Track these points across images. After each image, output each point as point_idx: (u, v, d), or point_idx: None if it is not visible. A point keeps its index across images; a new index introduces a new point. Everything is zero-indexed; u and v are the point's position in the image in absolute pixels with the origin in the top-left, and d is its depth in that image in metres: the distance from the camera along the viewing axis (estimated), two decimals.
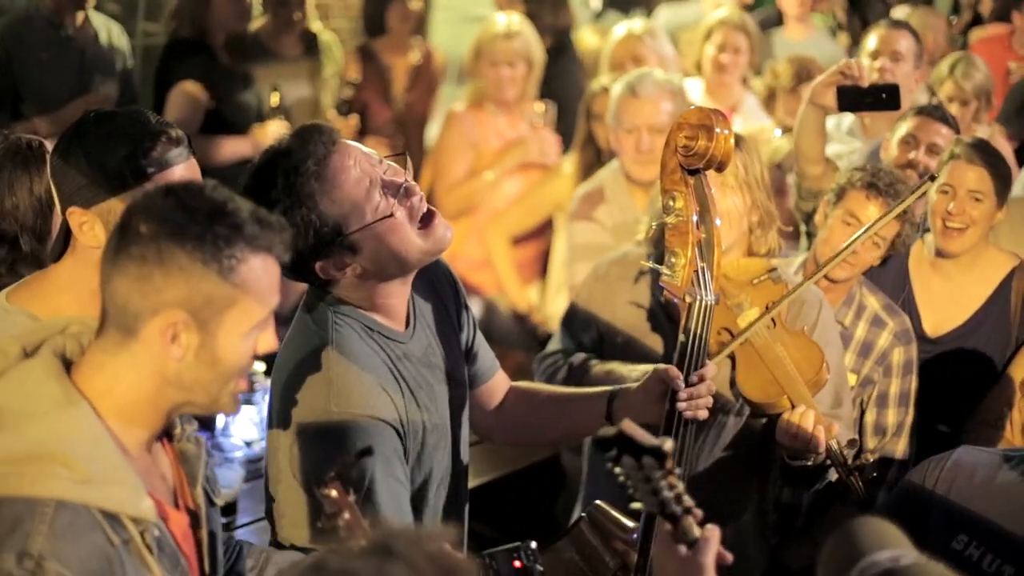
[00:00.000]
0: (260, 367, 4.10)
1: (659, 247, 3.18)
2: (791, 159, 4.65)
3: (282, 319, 2.47)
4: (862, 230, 3.58)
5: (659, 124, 4.62)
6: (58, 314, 2.31)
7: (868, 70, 4.44)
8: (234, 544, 2.56)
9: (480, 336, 3.00)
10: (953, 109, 5.00)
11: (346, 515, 2.24)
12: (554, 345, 3.80)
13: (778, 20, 7.16)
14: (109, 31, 5.73)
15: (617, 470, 2.01)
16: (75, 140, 2.57)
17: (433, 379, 2.75)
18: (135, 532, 2.01)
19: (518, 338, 5.63)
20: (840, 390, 3.51)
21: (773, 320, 3.35)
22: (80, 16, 5.56)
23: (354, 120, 6.04)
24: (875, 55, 4.94)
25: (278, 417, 2.64)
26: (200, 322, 2.00)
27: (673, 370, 2.72)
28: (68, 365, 2.08)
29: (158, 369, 2.03)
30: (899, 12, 6.64)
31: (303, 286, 2.71)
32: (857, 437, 3.72)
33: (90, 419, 2.02)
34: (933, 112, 4.39)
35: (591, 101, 5.35)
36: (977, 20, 7.34)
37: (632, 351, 3.56)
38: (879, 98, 4.15)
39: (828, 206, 3.88)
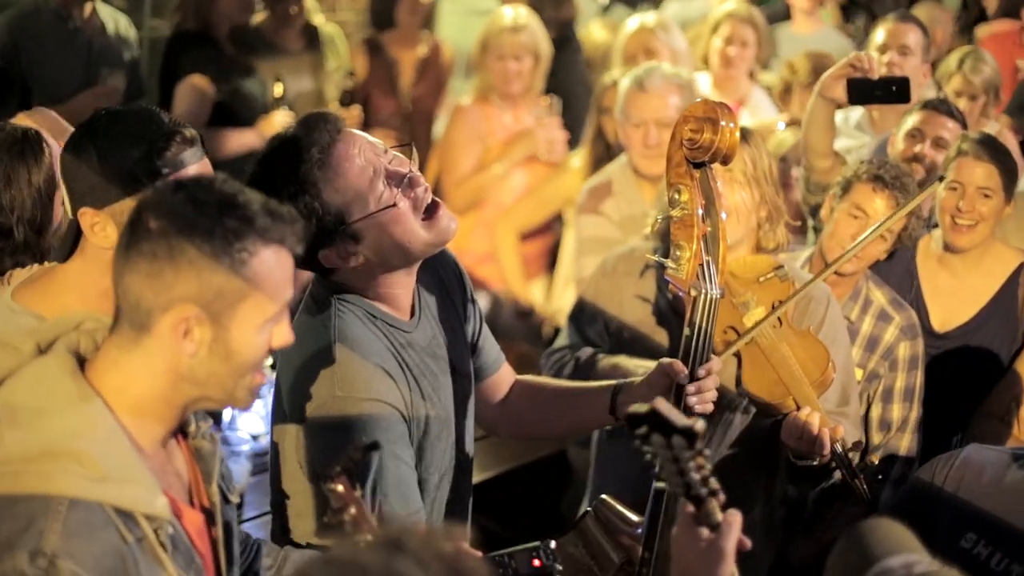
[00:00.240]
0: (267, 360, 4.09)
1: (666, 241, 3.18)
2: (795, 152, 4.65)
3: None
4: (871, 228, 3.57)
5: (666, 118, 4.61)
6: (65, 313, 2.30)
7: (877, 64, 4.43)
8: (252, 543, 2.55)
9: (486, 329, 3.00)
10: (961, 104, 4.99)
11: (352, 510, 2.24)
12: (561, 341, 3.80)
13: (786, 15, 7.14)
14: (116, 23, 5.74)
15: (645, 448, 1.99)
16: (87, 139, 2.54)
17: (437, 369, 2.74)
18: (149, 530, 2.01)
19: (522, 332, 5.63)
20: (848, 387, 3.50)
21: (779, 319, 3.34)
22: (87, 8, 5.57)
23: (356, 111, 6.04)
24: (883, 49, 4.93)
25: (283, 404, 2.64)
26: (212, 316, 1.99)
27: (677, 364, 2.72)
28: (82, 362, 2.08)
29: (172, 365, 2.02)
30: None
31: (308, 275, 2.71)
32: (863, 436, 3.72)
33: (104, 416, 2.01)
34: (939, 106, 4.38)
35: (601, 95, 5.35)
36: (982, 16, 7.30)
37: (639, 346, 3.55)
38: (889, 91, 4.14)
39: (834, 199, 3.87)
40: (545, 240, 5.83)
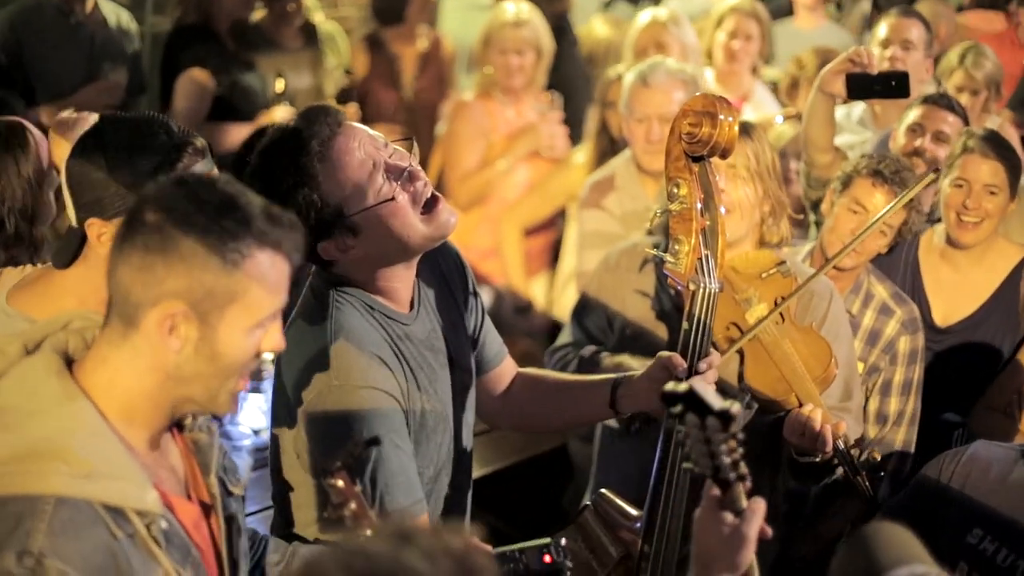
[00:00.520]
0: (268, 356, 4.09)
1: (666, 235, 3.18)
2: (794, 145, 4.64)
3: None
4: (871, 222, 3.57)
5: (670, 114, 4.55)
6: None
7: (879, 59, 4.42)
8: (260, 539, 2.55)
9: (489, 323, 3.00)
10: (963, 99, 4.97)
11: (352, 505, 2.24)
12: (565, 337, 3.79)
13: (789, 10, 7.14)
14: (118, 17, 5.75)
15: (679, 427, 1.99)
16: (95, 149, 2.53)
17: (435, 362, 2.74)
18: (140, 525, 2.00)
19: (523, 328, 5.63)
20: (851, 383, 3.50)
21: (782, 315, 3.33)
22: (89, 3, 5.58)
23: (353, 108, 6.03)
24: (886, 43, 4.92)
25: (282, 395, 2.64)
26: (200, 315, 1.97)
27: (676, 357, 2.72)
28: (72, 362, 2.07)
29: (159, 361, 2.00)
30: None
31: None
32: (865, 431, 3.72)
33: (90, 414, 2.00)
34: (939, 100, 4.38)
35: (605, 89, 5.33)
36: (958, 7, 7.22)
37: (642, 341, 3.55)
38: (888, 86, 4.14)
39: (834, 194, 3.87)
40: (548, 235, 5.83)
